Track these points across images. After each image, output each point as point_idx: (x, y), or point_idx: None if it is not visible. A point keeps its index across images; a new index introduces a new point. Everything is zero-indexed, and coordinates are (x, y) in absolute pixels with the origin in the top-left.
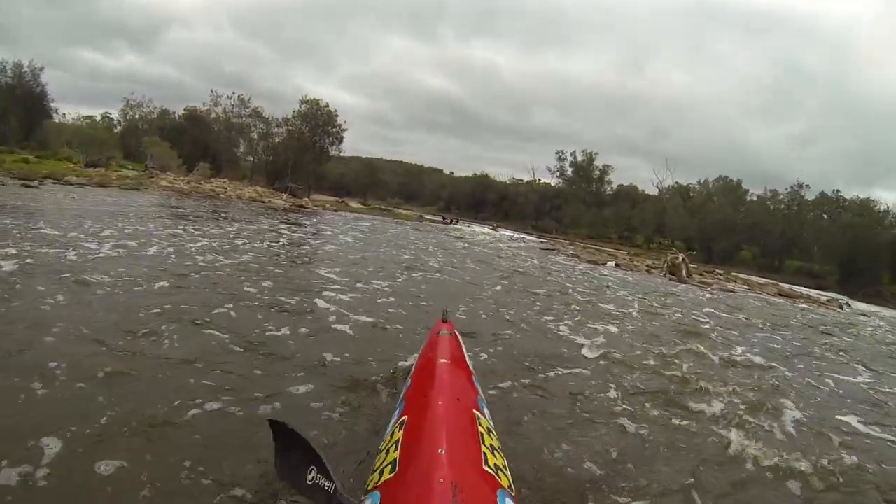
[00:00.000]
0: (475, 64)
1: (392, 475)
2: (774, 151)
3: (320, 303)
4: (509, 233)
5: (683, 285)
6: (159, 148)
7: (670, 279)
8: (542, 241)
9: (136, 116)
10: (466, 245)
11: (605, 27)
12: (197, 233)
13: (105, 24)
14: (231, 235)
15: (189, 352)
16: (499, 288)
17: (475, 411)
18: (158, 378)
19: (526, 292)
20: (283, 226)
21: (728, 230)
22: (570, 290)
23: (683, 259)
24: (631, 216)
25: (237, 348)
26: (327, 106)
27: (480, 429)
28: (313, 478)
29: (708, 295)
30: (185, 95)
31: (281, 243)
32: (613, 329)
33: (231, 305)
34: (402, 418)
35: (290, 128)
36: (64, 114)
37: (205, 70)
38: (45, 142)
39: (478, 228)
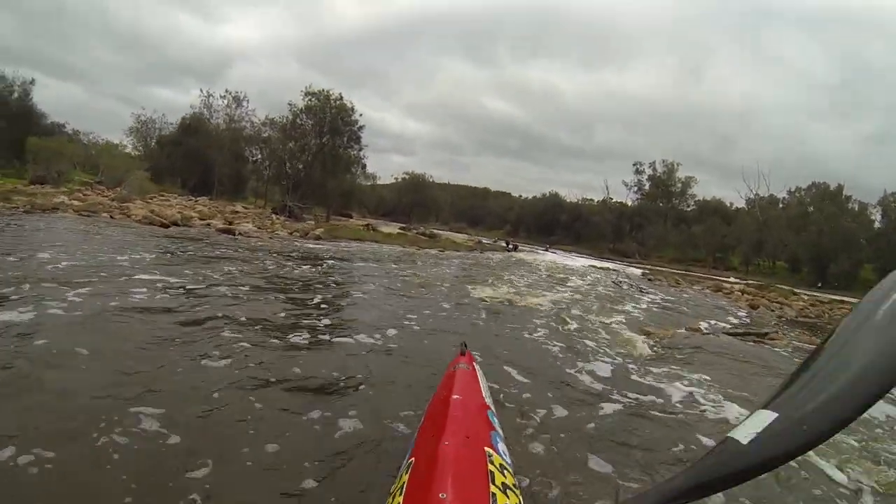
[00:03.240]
0: (534, 85)
1: None
2: (847, 155)
3: None
4: (584, 260)
5: None
6: (113, 159)
7: None
8: (648, 279)
9: (150, 133)
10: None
11: (660, 38)
12: None
13: (176, 64)
14: None
15: None
16: None
17: (487, 448)
18: None
19: None
20: None
21: (850, 246)
22: None
23: None
24: (726, 234)
25: None
26: (340, 98)
27: (491, 467)
28: None
29: None
30: None
31: None
32: None
33: None
34: (410, 461)
35: (288, 125)
36: (76, 132)
37: (269, 102)
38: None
39: (549, 257)
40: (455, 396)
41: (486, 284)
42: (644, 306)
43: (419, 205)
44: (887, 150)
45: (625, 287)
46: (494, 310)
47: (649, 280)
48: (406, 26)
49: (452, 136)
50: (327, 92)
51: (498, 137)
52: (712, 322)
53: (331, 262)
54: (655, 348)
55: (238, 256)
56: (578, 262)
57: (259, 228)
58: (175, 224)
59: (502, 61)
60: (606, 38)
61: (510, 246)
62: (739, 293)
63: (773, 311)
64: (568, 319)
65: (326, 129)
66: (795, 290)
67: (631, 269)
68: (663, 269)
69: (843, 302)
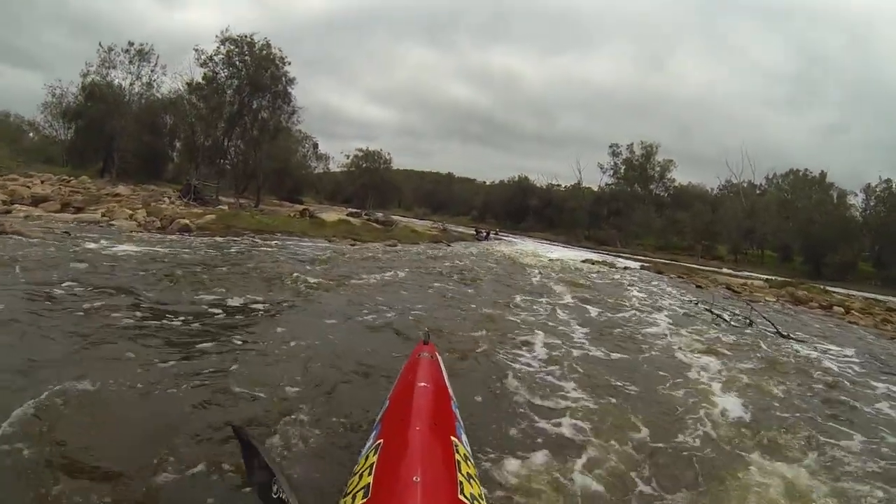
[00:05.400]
0: (495, 71)
1: (364, 501)
2: (804, 145)
3: None
4: (566, 250)
5: None
6: None
7: None
8: (698, 286)
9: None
10: None
11: (621, 26)
12: None
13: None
14: None
15: None
16: None
17: (453, 437)
18: None
19: None
20: None
21: (849, 236)
22: None
23: None
24: (712, 221)
25: None
26: (267, 46)
27: (457, 456)
28: (277, 490)
29: None
30: None
31: None
32: None
33: None
34: (378, 442)
35: (203, 82)
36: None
37: None
38: None
39: (528, 247)
40: (421, 384)
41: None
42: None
43: (375, 187)
44: (840, 141)
45: (727, 317)
46: None
47: (698, 287)
48: (369, 11)
49: (415, 122)
50: (250, 37)
51: (461, 123)
52: None
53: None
54: None
55: None
56: (565, 253)
57: (104, 216)
58: None
59: (464, 47)
60: (568, 25)
61: (483, 234)
62: (834, 307)
63: None
64: None
65: (245, 83)
66: (827, 288)
67: (625, 260)
68: (655, 259)
69: None
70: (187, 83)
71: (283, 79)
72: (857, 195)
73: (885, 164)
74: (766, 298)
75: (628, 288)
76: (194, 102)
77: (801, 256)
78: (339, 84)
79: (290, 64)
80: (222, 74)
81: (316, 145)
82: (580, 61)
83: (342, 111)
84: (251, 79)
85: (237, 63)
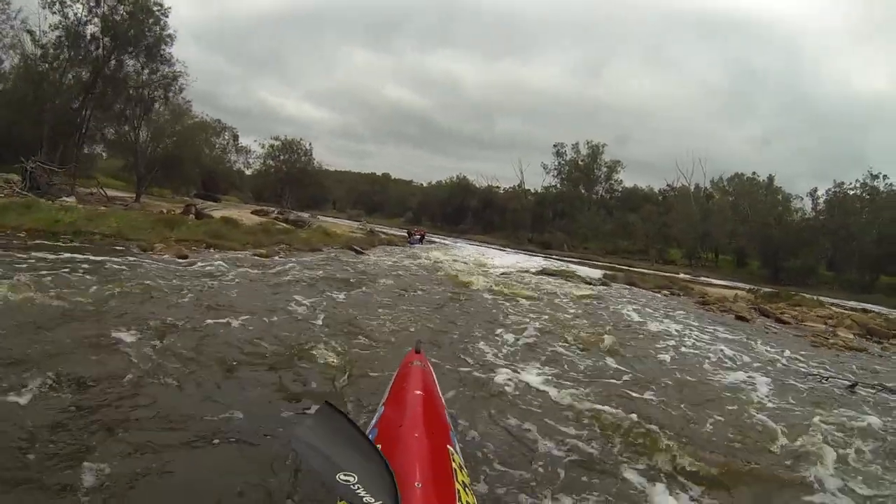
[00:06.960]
0: (436, 75)
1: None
2: (735, 153)
3: None
4: (512, 256)
5: None
6: None
7: None
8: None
9: None
10: None
11: (562, 35)
12: None
13: None
14: None
15: None
16: None
17: (448, 447)
18: None
19: None
20: None
21: (807, 240)
22: None
23: None
24: (665, 223)
25: None
26: None
27: (454, 464)
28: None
29: None
30: None
31: None
32: None
33: None
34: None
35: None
36: None
37: None
38: None
39: (466, 252)
40: (416, 392)
41: None
42: None
43: (296, 183)
44: (770, 151)
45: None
46: None
47: (740, 318)
48: (312, 11)
49: (355, 124)
50: None
51: (400, 125)
52: None
53: None
54: None
55: None
56: (512, 260)
57: None
58: None
59: (405, 50)
60: (511, 31)
61: (417, 237)
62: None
63: None
64: None
65: (107, 35)
66: (822, 300)
67: (583, 268)
68: (610, 264)
69: None
70: (28, 31)
71: (157, 29)
72: (802, 199)
73: (811, 173)
74: (842, 335)
75: (654, 338)
76: (36, 58)
77: (758, 261)
78: (279, 83)
79: (168, 14)
80: (73, 19)
81: (236, 137)
82: (523, 66)
83: (281, 111)
84: (114, 28)
85: (100, 9)
